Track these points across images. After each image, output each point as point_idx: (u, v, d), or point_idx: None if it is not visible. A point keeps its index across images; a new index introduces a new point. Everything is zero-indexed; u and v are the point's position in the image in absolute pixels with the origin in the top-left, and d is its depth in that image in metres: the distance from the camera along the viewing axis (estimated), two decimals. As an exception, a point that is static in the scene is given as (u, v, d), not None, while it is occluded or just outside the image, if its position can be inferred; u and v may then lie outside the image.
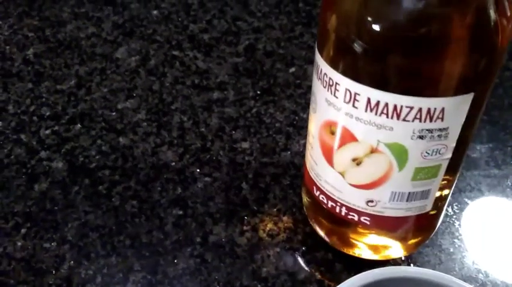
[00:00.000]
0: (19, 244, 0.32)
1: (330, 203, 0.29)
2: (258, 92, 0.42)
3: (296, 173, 0.37)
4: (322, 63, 0.25)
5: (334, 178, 0.28)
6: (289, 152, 0.39)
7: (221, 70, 0.43)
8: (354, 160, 0.27)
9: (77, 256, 0.32)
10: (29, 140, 0.37)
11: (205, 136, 0.39)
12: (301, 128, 0.40)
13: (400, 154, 0.25)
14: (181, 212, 0.35)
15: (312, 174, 0.30)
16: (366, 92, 0.23)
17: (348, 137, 0.26)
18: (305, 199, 0.33)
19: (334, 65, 0.24)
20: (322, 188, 0.29)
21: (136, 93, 0.40)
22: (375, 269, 0.28)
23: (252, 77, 0.43)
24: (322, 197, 0.30)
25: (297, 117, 0.40)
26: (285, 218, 0.35)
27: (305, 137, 0.39)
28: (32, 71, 0.40)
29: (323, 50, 0.25)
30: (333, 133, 0.27)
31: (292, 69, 0.44)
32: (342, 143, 0.26)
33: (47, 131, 0.37)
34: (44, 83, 0.40)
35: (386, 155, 0.25)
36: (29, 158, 0.36)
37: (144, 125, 0.39)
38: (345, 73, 0.24)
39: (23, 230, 0.33)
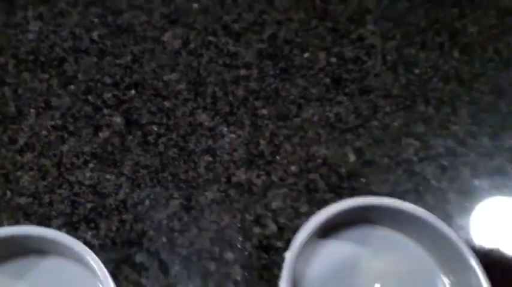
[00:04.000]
0: (87, 174, 0.43)
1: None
2: (277, 72, 0.51)
3: (304, 134, 0.46)
4: None
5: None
6: (299, 119, 0.47)
7: (247, 53, 0.52)
8: None
9: (131, 186, 0.42)
10: (95, 100, 0.47)
11: (232, 103, 0.48)
12: (311, 101, 0.49)
13: None
14: (211, 159, 0.44)
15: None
16: None
17: None
18: None
19: None
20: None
21: (178, 69, 0.50)
22: (359, 198, 0.37)
23: (273, 59, 0.52)
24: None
25: (307, 92, 0.49)
26: (292, 168, 0.44)
27: (315, 108, 0.48)
28: (96, 48, 0.50)
29: None
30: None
31: (307, 55, 0.53)
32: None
33: (109, 95, 0.47)
34: (106, 58, 0.50)
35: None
36: (95, 114, 0.46)
37: (184, 93, 0.48)
38: None
39: (90, 165, 0.43)
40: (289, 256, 0.34)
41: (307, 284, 0.37)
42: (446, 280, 0.35)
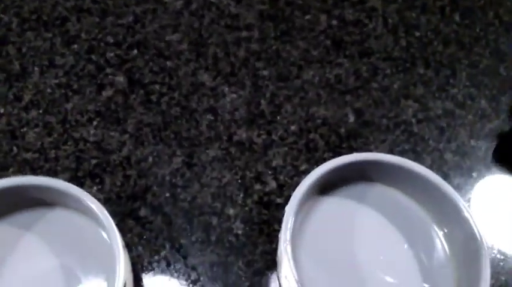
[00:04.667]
0: (92, 131, 0.43)
1: None
2: (278, 34, 0.51)
3: (304, 95, 0.47)
4: None
5: None
6: (300, 80, 0.48)
7: (249, 15, 0.52)
8: None
9: (135, 143, 0.43)
10: (98, 59, 0.47)
11: (233, 64, 0.48)
12: (311, 63, 0.49)
13: None
14: (212, 118, 0.45)
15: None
16: None
17: None
18: None
19: None
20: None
21: (180, 29, 0.50)
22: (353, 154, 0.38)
23: (274, 21, 0.52)
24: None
25: (308, 54, 0.50)
26: (293, 127, 0.45)
27: (315, 69, 0.48)
28: (98, 8, 0.51)
29: None
30: None
31: (308, 17, 0.53)
32: None
33: (111, 54, 0.48)
34: (108, 18, 0.50)
35: None
36: (98, 73, 0.47)
37: (186, 53, 0.49)
38: None
39: (95, 123, 0.44)
40: (288, 209, 0.35)
41: (306, 239, 0.38)
42: (441, 233, 0.36)
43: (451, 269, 0.36)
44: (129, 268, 0.35)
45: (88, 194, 0.34)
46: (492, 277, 0.33)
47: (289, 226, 0.35)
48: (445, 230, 0.36)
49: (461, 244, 0.35)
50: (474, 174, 0.44)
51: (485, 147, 0.46)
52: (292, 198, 0.36)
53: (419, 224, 0.38)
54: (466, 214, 0.33)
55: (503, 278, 0.39)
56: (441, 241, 0.37)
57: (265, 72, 0.48)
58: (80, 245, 0.36)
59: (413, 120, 0.46)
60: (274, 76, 0.48)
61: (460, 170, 0.44)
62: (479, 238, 0.33)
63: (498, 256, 0.40)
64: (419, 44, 0.51)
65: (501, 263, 0.40)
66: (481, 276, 0.32)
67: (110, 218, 0.33)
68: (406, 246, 0.38)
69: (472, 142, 0.46)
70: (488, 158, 0.45)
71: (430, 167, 0.40)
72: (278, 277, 0.38)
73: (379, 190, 0.40)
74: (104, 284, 0.35)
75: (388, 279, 0.37)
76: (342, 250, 0.38)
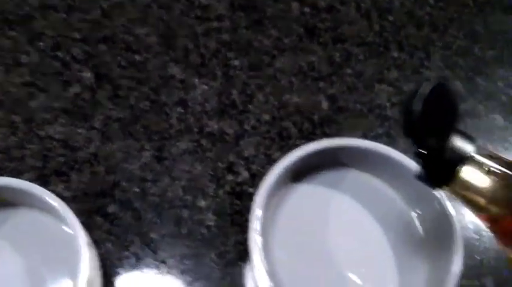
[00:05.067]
0: (58, 129, 0.42)
1: None
2: (250, 23, 0.50)
3: (276, 83, 0.46)
4: None
5: None
6: (272, 68, 0.47)
7: (220, 5, 0.51)
8: None
9: (102, 139, 0.42)
10: (64, 56, 0.46)
11: (204, 55, 0.47)
12: (284, 51, 0.48)
13: None
14: (183, 110, 0.44)
15: None
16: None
17: None
18: None
19: None
20: None
21: (149, 22, 0.49)
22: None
23: (245, 11, 0.51)
24: None
25: (280, 42, 0.49)
26: (265, 116, 0.44)
27: (288, 58, 0.48)
28: (65, 4, 0.50)
29: None
30: None
31: (280, 5, 0.52)
32: None
33: (78, 50, 0.47)
34: (74, 14, 0.49)
35: None
36: (64, 69, 0.46)
37: (155, 46, 0.48)
38: None
39: (61, 120, 0.43)
40: (257, 198, 0.34)
41: (279, 228, 0.37)
42: (414, 215, 0.36)
43: (425, 250, 0.35)
44: (96, 264, 0.34)
45: (50, 192, 0.33)
46: (467, 257, 0.32)
47: (258, 215, 0.34)
48: (419, 212, 0.36)
49: (434, 224, 0.34)
50: (451, 156, 0.43)
51: (461, 128, 0.45)
52: (261, 187, 0.35)
53: (393, 208, 0.38)
54: (438, 195, 0.33)
55: (478, 258, 0.38)
56: (415, 223, 0.36)
57: (236, 62, 0.47)
58: (45, 245, 0.35)
59: (388, 104, 0.46)
60: (245, 66, 0.47)
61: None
62: (450, 216, 0.32)
63: (473, 235, 0.39)
64: (393, 27, 0.50)
65: (476, 243, 0.39)
66: (453, 252, 0.32)
67: (73, 215, 0.32)
68: (380, 230, 0.37)
69: (448, 124, 0.45)
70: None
71: (404, 151, 0.39)
72: (251, 266, 0.37)
73: (353, 176, 0.39)
74: (69, 282, 0.34)
75: (364, 264, 0.36)
76: (316, 238, 0.37)
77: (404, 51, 0.49)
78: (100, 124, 0.43)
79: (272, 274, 0.34)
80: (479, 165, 0.28)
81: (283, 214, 0.38)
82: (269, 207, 0.37)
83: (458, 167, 0.28)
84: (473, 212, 0.29)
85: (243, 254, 0.37)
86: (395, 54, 0.49)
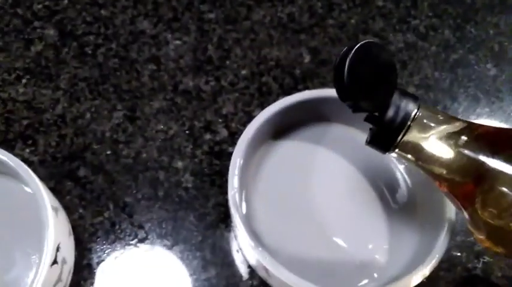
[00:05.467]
0: (21, 90, 0.39)
1: None
2: (225, -26, 0.47)
3: (255, 37, 0.43)
4: None
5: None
6: (249, 21, 0.44)
7: (192, -44, 0.48)
8: None
9: (69, 100, 0.39)
10: (24, 12, 0.43)
11: (176, 8, 0.44)
12: (261, 2, 0.45)
13: None
14: (155, 68, 0.41)
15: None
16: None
17: None
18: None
19: None
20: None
21: (116, -24, 0.46)
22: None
23: (220, -39, 0.48)
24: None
25: (258, -7, 0.46)
26: (243, 72, 0.42)
27: (265, 9, 0.45)
28: (24, -42, 0.46)
29: None
30: None
31: (256, -45, 0.49)
32: None
33: (39, 6, 0.43)
34: (35, -32, 0.45)
35: None
36: (25, 27, 0.42)
37: (122, 0, 0.44)
38: None
39: (24, 81, 0.40)
40: (235, 155, 0.32)
41: (261, 186, 0.35)
42: (401, 167, 0.34)
43: (414, 202, 0.34)
44: (66, 230, 0.32)
45: (10, 154, 0.31)
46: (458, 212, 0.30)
47: (236, 172, 0.32)
48: (405, 163, 0.34)
49: (422, 176, 0.32)
50: (439, 107, 0.41)
51: (450, 78, 0.43)
52: (238, 143, 0.33)
53: (380, 161, 0.36)
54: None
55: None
56: (402, 175, 0.34)
57: (211, 15, 0.44)
58: (11, 211, 0.33)
59: (373, 55, 0.43)
60: (221, 19, 0.44)
61: (424, 104, 0.41)
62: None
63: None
64: (377, -25, 0.48)
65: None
66: (444, 203, 0.30)
67: (35, 177, 0.30)
68: (368, 184, 0.35)
69: (436, 74, 0.43)
70: (453, 89, 0.42)
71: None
72: (232, 228, 0.35)
73: (336, 130, 0.37)
74: (36, 250, 0.32)
75: (348, 221, 0.34)
76: (300, 194, 0.35)
77: (389, 0, 0.46)
78: (66, 84, 0.40)
79: (254, 232, 0.33)
80: (423, 128, 0.26)
81: (264, 172, 0.36)
82: (250, 166, 0.35)
83: (400, 131, 0.26)
84: (428, 175, 0.28)
85: (223, 217, 0.35)
86: (380, 3, 0.46)
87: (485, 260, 0.36)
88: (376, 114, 0.27)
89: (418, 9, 0.46)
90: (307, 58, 0.43)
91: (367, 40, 0.26)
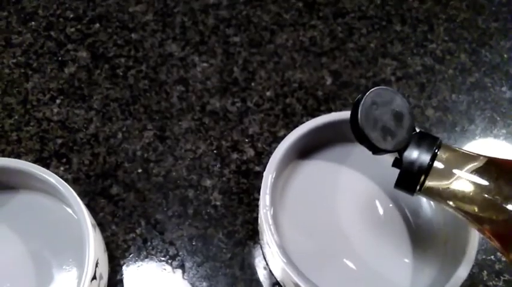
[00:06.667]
0: (55, 110, 0.41)
1: None
2: (248, -1, 0.49)
3: (278, 60, 0.45)
4: None
5: None
6: (273, 45, 0.46)
7: (216, -19, 0.50)
8: None
9: (102, 119, 0.41)
10: (58, 36, 0.45)
11: (203, 32, 0.46)
12: (284, 26, 0.47)
13: None
14: (183, 89, 0.43)
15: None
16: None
17: None
18: None
19: None
20: None
21: (143, 0, 0.48)
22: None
23: (243, -14, 0.50)
24: None
25: (280, 18, 0.48)
26: (268, 93, 0.43)
27: (288, 33, 0.46)
28: (56, -17, 0.48)
29: None
30: None
31: (278, -20, 0.51)
32: None
33: (72, 29, 0.45)
34: (67, -8, 0.47)
35: None
36: (59, 49, 0.44)
37: (151, 24, 0.46)
38: None
39: (58, 101, 0.41)
40: (266, 174, 0.33)
41: (288, 205, 0.36)
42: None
43: (438, 226, 0.35)
44: (102, 247, 0.33)
45: (51, 172, 0.32)
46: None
47: (267, 191, 0.33)
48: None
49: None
50: (457, 128, 0.43)
51: (467, 101, 0.44)
52: (269, 162, 0.34)
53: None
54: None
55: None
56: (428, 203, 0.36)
57: (236, 39, 0.46)
58: (48, 228, 0.34)
59: (393, 78, 0.45)
60: (246, 42, 0.46)
61: (443, 126, 0.43)
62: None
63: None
64: (395, 0, 0.49)
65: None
66: (467, 228, 0.31)
67: (76, 195, 0.31)
68: (391, 205, 0.36)
69: (454, 97, 0.44)
70: (470, 111, 0.44)
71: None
72: (261, 245, 0.36)
73: (360, 151, 0.39)
74: (74, 265, 0.33)
75: (375, 241, 0.35)
76: (325, 213, 0.36)
77: (407, 24, 0.48)
78: (99, 105, 0.41)
79: (283, 251, 0.34)
80: (446, 168, 0.26)
81: (291, 191, 0.37)
82: (277, 184, 0.36)
83: (420, 175, 0.27)
84: (462, 217, 0.27)
85: (251, 234, 0.37)
86: (398, 27, 0.48)
87: (505, 278, 0.36)
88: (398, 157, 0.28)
89: (435, 34, 0.48)
90: (328, 80, 0.44)
91: (379, 87, 0.27)
